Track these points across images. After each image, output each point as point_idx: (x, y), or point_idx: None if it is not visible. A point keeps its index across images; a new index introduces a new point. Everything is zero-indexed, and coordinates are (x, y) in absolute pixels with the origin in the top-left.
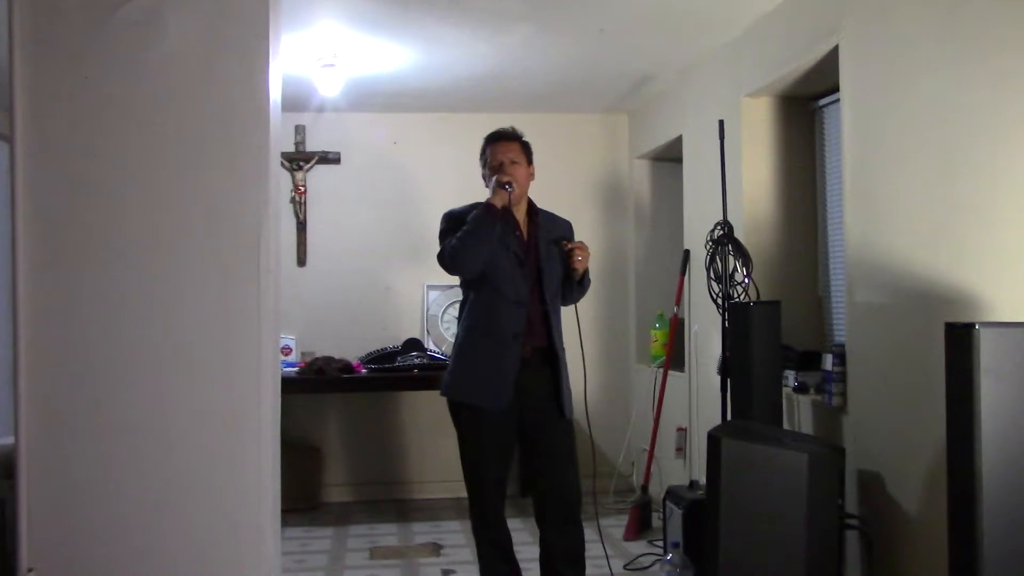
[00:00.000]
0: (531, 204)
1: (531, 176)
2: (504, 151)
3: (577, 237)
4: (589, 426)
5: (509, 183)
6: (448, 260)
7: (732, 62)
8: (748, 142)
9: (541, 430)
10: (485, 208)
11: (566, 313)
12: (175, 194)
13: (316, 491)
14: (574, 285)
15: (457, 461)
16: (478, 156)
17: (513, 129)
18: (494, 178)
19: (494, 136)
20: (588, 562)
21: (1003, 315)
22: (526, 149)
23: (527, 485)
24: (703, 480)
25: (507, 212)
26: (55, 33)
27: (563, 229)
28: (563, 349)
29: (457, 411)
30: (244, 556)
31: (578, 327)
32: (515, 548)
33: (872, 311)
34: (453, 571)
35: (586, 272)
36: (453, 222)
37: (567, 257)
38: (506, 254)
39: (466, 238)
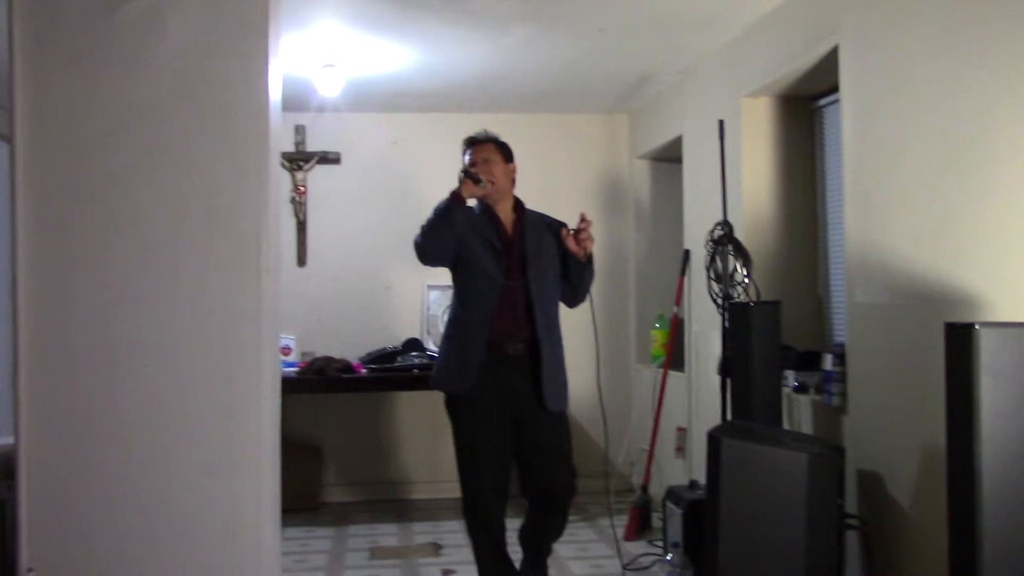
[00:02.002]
0: (518, 202)
1: (512, 172)
2: (478, 152)
3: None
4: (605, 426)
5: (474, 172)
6: (416, 251)
7: (732, 62)
8: (748, 142)
9: (530, 424)
10: (448, 197)
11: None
12: (175, 194)
13: (316, 491)
14: (578, 271)
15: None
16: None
17: (486, 132)
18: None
19: (468, 141)
20: (588, 562)
21: (1003, 315)
22: (502, 149)
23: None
24: (703, 480)
25: (489, 212)
26: (55, 33)
27: (550, 228)
28: (558, 344)
29: (447, 400)
30: (244, 556)
31: (594, 327)
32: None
33: (872, 311)
34: (453, 571)
35: (591, 259)
36: None
37: (576, 235)
38: (483, 245)
39: (426, 227)
